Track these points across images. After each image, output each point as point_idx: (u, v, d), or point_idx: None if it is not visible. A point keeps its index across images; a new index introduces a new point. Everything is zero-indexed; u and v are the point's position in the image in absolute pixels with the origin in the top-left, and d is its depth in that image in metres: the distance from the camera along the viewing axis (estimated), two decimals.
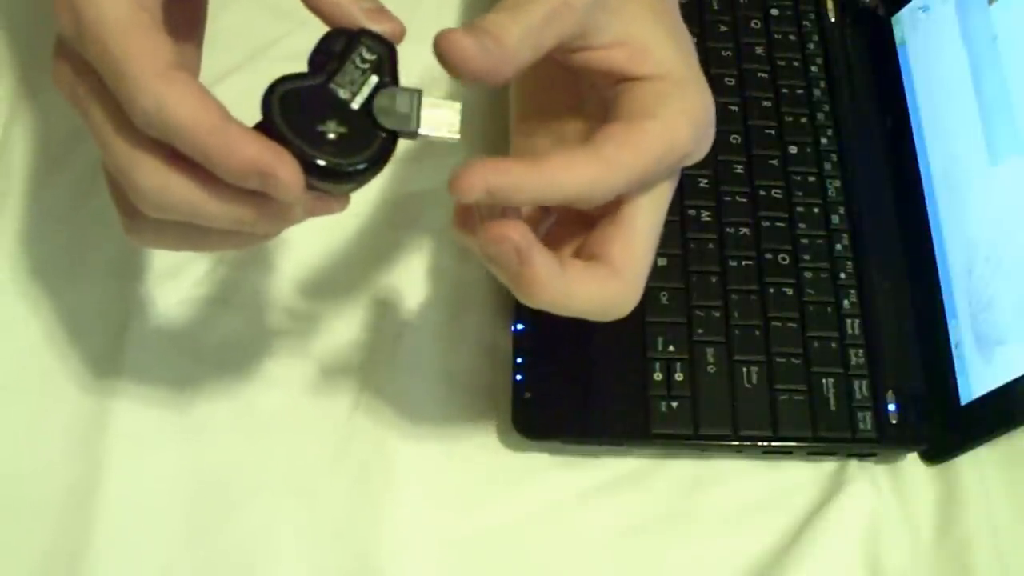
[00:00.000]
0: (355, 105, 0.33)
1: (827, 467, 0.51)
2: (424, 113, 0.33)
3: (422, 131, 0.33)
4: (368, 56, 0.33)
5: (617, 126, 0.36)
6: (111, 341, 0.49)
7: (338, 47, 0.33)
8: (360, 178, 0.33)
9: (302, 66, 0.33)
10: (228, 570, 0.46)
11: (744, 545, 0.49)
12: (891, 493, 0.50)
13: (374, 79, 0.33)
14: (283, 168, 0.31)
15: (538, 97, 0.42)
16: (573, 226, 0.39)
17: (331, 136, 0.32)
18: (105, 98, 0.33)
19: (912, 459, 0.51)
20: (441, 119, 0.33)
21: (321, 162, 0.32)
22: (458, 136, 0.34)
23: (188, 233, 0.35)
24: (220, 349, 0.50)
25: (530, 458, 0.49)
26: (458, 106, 0.34)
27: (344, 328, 0.51)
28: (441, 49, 0.33)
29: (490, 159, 0.33)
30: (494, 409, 0.50)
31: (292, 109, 0.32)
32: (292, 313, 0.51)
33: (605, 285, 0.36)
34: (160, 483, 0.47)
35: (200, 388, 0.49)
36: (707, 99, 0.38)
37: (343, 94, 0.33)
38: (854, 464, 0.51)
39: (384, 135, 0.33)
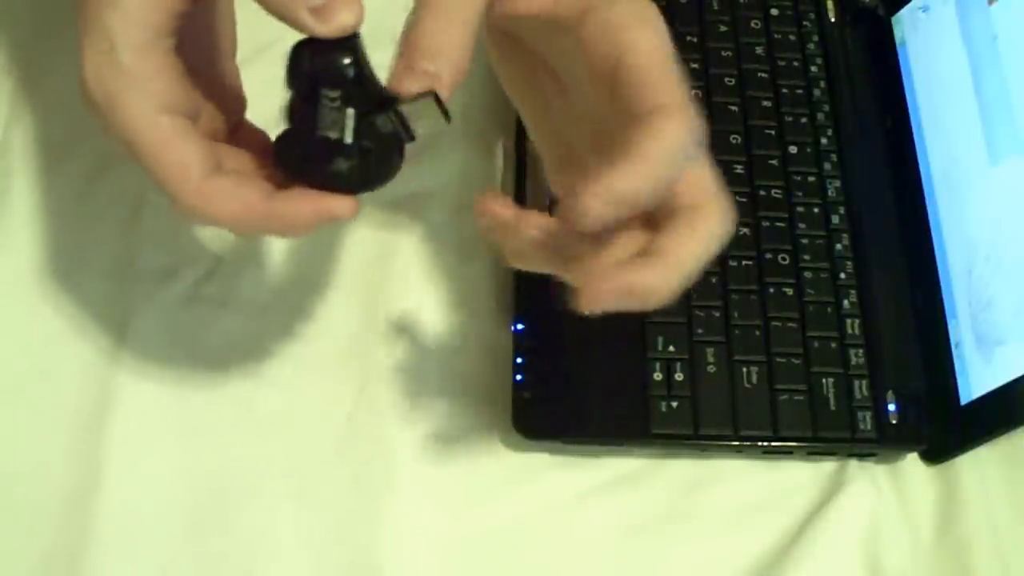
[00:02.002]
0: (348, 140, 0.34)
1: (827, 467, 0.51)
2: (410, 120, 0.34)
3: (417, 136, 0.35)
4: (332, 94, 0.34)
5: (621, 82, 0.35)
6: (111, 341, 0.49)
7: (302, 88, 0.34)
8: (385, 183, 0.36)
9: None
10: (228, 570, 0.46)
11: (744, 545, 0.49)
12: (891, 493, 0.50)
13: (351, 112, 0.34)
14: (338, 207, 0.34)
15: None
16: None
17: (344, 171, 0.34)
18: None
19: (912, 459, 0.51)
20: (425, 115, 0.34)
21: (352, 188, 0.35)
22: (448, 119, 0.34)
23: None
24: (220, 349, 0.50)
25: (530, 458, 0.49)
26: (432, 95, 0.34)
27: (344, 328, 0.51)
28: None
29: (590, 175, 0.32)
30: (494, 409, 0.50)
31: (299, 158, 0.35)
32: (292, 313, 0.51)
33: (655, 270, 0.36)
34: (160, 483, 0.47)
35: (200, 388, 0.49)
36: None
37: (334, 135, 0.34)
38: (854, 464, 0.51)
39: (387, 153, 0.35)
